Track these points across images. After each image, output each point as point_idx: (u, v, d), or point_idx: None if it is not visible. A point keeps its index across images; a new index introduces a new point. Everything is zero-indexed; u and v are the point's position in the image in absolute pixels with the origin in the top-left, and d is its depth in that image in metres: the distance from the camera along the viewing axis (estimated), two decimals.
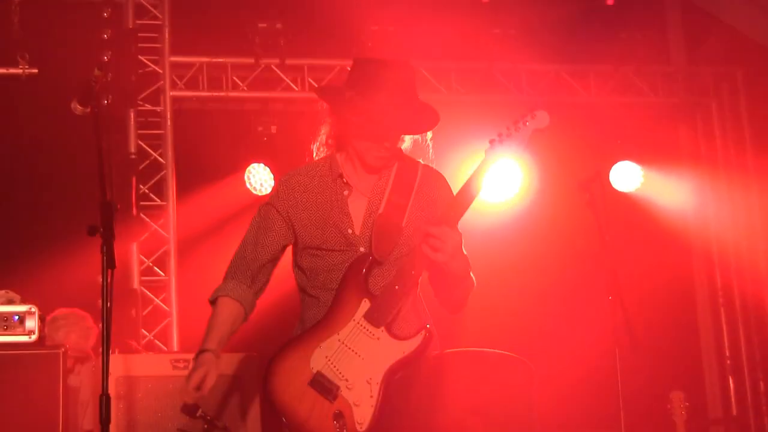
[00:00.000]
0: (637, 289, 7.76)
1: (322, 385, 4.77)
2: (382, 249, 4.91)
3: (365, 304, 4.83)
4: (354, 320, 4.82)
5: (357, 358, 4.79)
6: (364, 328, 4.81)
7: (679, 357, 9.97)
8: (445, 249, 4.65)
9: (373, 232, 4.93)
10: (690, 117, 10.62)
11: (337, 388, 4.76)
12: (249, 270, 5.06)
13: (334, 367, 4.80)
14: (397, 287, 4.81)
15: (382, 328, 4.79)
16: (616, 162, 10.10)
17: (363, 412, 4.72)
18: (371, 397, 4.72)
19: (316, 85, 4.70)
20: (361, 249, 4.94)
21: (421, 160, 5.11)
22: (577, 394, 9.39)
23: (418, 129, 5.01)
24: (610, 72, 10.36)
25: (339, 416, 4.71)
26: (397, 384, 4.79)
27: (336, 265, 4.96)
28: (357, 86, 4.90)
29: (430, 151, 5.16)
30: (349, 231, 4.94)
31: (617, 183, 10.11)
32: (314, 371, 4.80)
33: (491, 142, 4.81)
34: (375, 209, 4.98)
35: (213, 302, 5.08)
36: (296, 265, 5.12)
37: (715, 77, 10.59)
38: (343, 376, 4.78)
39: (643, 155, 10.16)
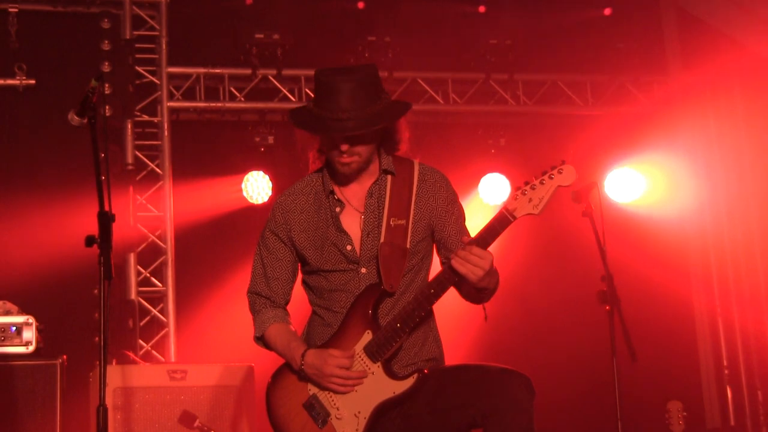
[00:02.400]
0: (635, 299, 7.73)
1: (315, 409, 4.84)
2: (392, 279, 4.89)
3: (367, 336, 4.83)
4: (354, 350, 4.84)
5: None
6: (362, 360, 4.81)
7: (676, 367, 9.96)
8: (475, 270, 4.60)
9: (380, 265, 4.90)
10: (688, 127, 10.61)
11: (327, 415, 4.82)
12: (270, 300, 5.08)
13: (329, 393, 4.84)
14: (398, 325, 4.78)
15: (379, 363, 4.81)
16: (611, 172, 10.11)
17: None
18: (359, 427, 4.78)
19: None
20: (363, 270, 4.92)
21: (416, 161, 5.07)
22: (575, 404, 9.42)
23: (369, 125, 4.83)
24: (607, 82, 10.36)
25: None
26: (388, 422, 4.84)
27: (339, 286, 4.96)
28: (315, 99, 4.92)
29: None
30: (348, 248, 4.92)
31: (613, 193, 10.13)
32: (310, 393, 4.87)
33: (513, 195, 4.72)
34: (371, 228, 4.95)
35: (261, 338, 5.08)
36: (304, 281, 5.13)
37: (712, 86, 10.54)
38: (334, 404, 4.82)
39: (641, 165, 10.17)
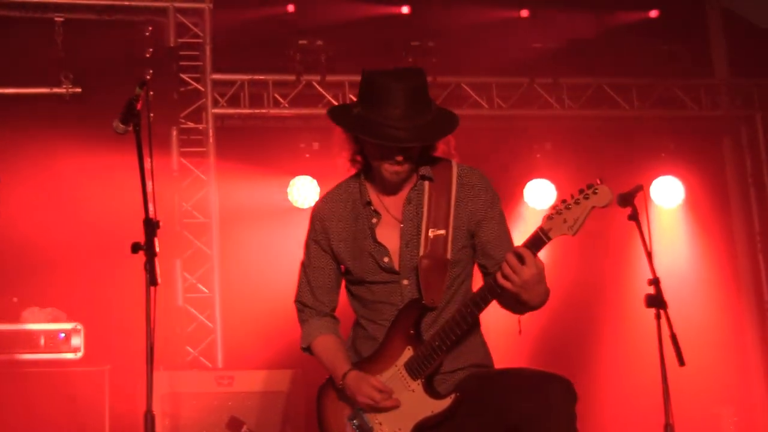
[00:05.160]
0: (684, 304, 7.71)
1: (358, 423, 4.86)
2: (433, 294, 4.86)
3: (408, 352, 4.83)
4: (396, 366, 4.85)
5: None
6: (403, 377, 4.83)
7: (727, 372, 9.89)
8: (515, 280, 4.54)
9: (421, 279, 4.86)
10: (734, 130, 10.55)
11: (371, 429, 4.84)
12: (316, 310, 5.09)
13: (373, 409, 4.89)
14: (437, 343, 4.77)
15: (419, 381, 4.80)
16: (657, 176, 10.08)
17: None
18: None
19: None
20: (405, 282, 4.88)
21: (454, 162, 4.99)
22: (623, 409, 9.37)
23: (430, 138, 4.84)
24: (653, 85, 10.31)
25: None
26: None
27: (381, 297, 4.95)
28: (363, 101, 4.82)
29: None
30: (385, 260, 4.88)
31: (659, 198, 10.09)
32: (355, 407, 4.89)
33: (548, 215, 4.63)
34: (410, 238, 4.90)
35: (308, 349, 5.10)
36: (347, 289, 5.13)
37: (759, 88, 10.51)
38: (377, 420, 4.84)
39: (687, 169, 10.13)
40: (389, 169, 4.77)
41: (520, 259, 4.51)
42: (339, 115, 4.93)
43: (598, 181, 4.58)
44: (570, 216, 4.55)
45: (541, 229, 4.56)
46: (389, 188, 4.92)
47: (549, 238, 4.57)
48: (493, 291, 4.63)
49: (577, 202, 4.56)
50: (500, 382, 4.83)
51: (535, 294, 4.61)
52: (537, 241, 4.57)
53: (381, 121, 4.68)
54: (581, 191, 4.56)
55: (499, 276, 4.56)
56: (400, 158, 4.72)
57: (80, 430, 7.43)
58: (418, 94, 4.74)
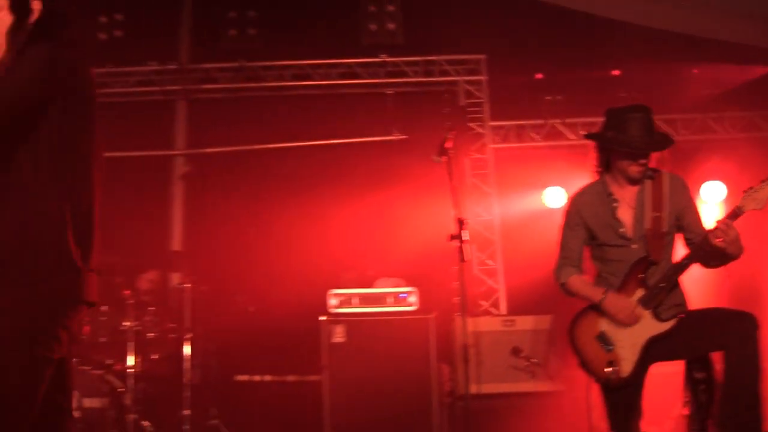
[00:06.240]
0: None
1: (604, 340, 4.90)
2: (656, 253, 4.90)
3: (640, 292, 4.87)
4: (631, 301, 4.88)
5: (629, 328, 4.87)
6: (637, 308, 4.85)
7: None
8: (727, 237, 4.61)
9: (648, 243, 4.90)
10: None
11: (613, 344, 4.86)
12: (572, 260, 5.15)
13: (613, 329, 4.90)
14: (662, 285, 4.82)
15: (649, 311, 4.85)
16: None
17: (627, 365, 4.83)
18: (634, 355, 4.82)
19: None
20: (633, 246, 4.95)
21: (664, 170, 5.03)
22: None
23: (660, 147, 4.96)
24: None
25: (611, 363, 4.82)
26: (655, 350, 4.84)
27: (617, 256, 4.99)
28: (614, 127, 4.89)
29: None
30: (621, 230, 4.95)
31: None
32: (600, 329, 4.93)
33: (741, 196, 4.67)
34: (640, 218, 4.95)
35: (564, 284, 5.14)
36: (591, 254, 5.15)
37: None
38: (617, 338, 4.87)
39: None
40: (635, 170, 4.91)
41: (727, 225, 4.62)
42: (597, 137, 5.08)
43: None
44: (758, 196, 4.61)
45: (736, 206, 4.64)
46: (627, 183, 5.00)
47: (742, 212, 4.62)
48: (702, 247, 4.70)
49: (762, 187, 4.63)
50: (710, 314, 4.87)
51: (736, 248, 4.69)
52: (734, 214, 4.64)
53: (629, 139, 4.84)
54: (763, 181, 4.64)
55: (711, 236, 4.61)
56: (643, 161, 4.88)
57: (413, 365, 7.41)
58: (650, 121, 4.91)
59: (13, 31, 3.23)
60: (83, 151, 3.25)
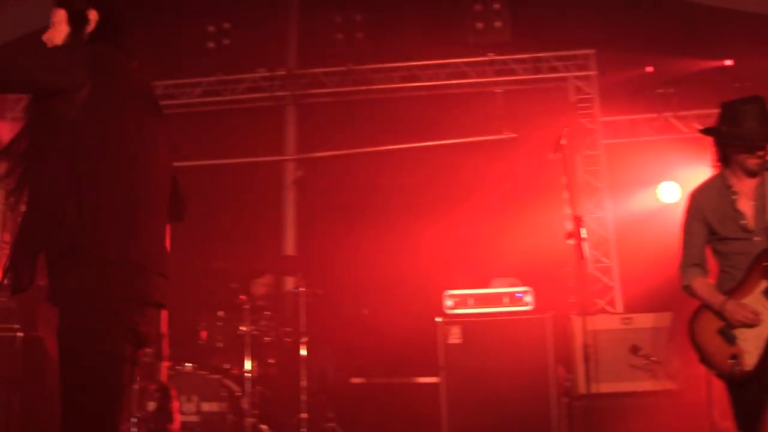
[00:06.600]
0: None
1: (726, 335, 4.83)
2: None
3: (764, 283, 4.79)
4: (754, 294, 4.80)
5: None
6: (760, 300, 4.79)
7: None
8: None
9: None
10: None
11: (735, 338, 4.80)
12: (696, 258, 5.07)
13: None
14: None
15: None
16: None
17: (751, 358, 4.75)
18: (758, 348, 4.74)
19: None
20: (756, 238, 4.86)
21: None
22: None
23: None
24: None
25: (734, 357, 4.75)
26: None
27: (738, 249, 4.91)
28: (728, 121, 4.89)
29: None
30: (743, 222, 4.87)
31: None
32: (722, 323, 4.86)
33: None
34: (761, 210, 4.87)
35: (687, 287, 5.06)
36: (713, 248, 5.08)
37: None
38: (740, 331, 4.80)
39: None
40: (753, 162, 4.88)
41: None
42: (713, 132, 5.04)
43: None
44: None
45: None
46: (745, 176, 4.95)
47: None
48: None
49: None
50: None
51: None
52: None
53: (744, 132, 4.83)
54: None
55: None
56: (760, 153, 4.86)
57: (529, 362, 7.37)
58: (764, 111, 4.88)
59: (68, 41, 3.36)
60: (110, 151, 3.23)
